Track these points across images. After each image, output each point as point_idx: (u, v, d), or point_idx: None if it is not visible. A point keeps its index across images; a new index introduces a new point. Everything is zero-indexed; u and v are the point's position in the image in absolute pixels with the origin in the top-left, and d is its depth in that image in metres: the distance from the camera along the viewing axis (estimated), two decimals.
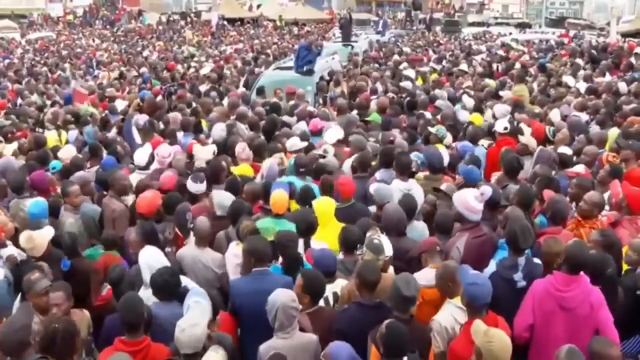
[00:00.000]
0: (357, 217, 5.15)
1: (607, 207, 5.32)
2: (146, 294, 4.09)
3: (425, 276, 4.14)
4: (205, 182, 5.74)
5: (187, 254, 4.82)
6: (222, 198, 5.28)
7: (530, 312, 3.87)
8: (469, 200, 4.65)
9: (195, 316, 3.48)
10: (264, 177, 6.01)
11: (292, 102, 9.75)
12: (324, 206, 5.08)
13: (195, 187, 5.70)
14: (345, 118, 8.46)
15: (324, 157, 6.49)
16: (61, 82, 14.76)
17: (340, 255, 4.55)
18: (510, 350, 3.34)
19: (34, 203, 5.41)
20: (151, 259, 4.27)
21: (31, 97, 12.31)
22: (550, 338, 3.81)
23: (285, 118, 8.84)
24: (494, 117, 8.40)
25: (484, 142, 7.35)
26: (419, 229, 5.06)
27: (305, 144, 6.99)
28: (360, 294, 3.92)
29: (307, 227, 4.80)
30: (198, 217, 4.92)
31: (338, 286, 4.24)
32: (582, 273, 3.85)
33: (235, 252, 4.72)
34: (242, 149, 6.67)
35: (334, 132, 7.23)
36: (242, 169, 6.34)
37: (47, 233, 4.77)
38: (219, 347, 3.48)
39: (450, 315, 3.83)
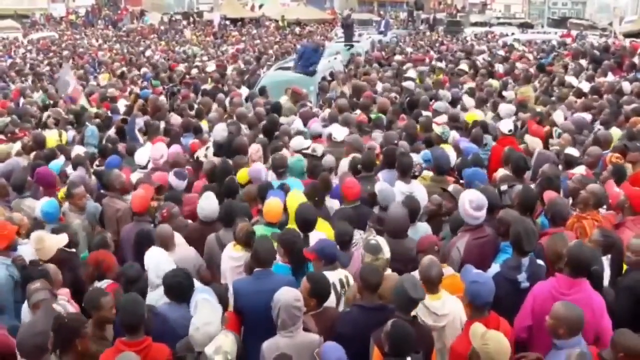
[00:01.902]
0: (361, 218, 5.13)
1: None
2: (154, 296, 4.11)
3: None
4: (185, 180, 6.05)
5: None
6: (203, 204, 5.21)
7: (529, 314, 3.86)
8: (465, 205, 4.63)
9: (208, 314, 3.49)
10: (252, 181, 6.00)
11: (299, 103, 9.77)
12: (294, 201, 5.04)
13: (176, 182, 5.94)
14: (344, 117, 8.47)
15: (313, 156, 6.52)
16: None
17: None
18: (508, 353, 3.32)
19: (48, 202, 5.43)
20: (157, 261, 4.26)
21: (34, 96, 12.34)
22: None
23: (287, 119, 8.85)
24: (499, 117, 8.40)
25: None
26: (421, 231, 5.03)
27: (309, 142, 7.04)
28: (361, 296, 3.90)
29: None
30: (159, 225, 4.92)
31: (342, 274, 4.25)
32: (585, 278, 3.83)
33: (231, 254, 4.69)
34: (255, 150, 6.69)
35: (339, 129, 7.26)
36: (241, 176, 6.22)
37: (60, 239, 4.74)
38: (229, 331, 3.51)
39: None
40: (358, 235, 4.81)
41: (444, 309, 3.89)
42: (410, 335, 3.34)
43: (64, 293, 4.27)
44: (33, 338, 3.31)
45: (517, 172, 5.89)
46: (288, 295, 3.63)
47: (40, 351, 3.30)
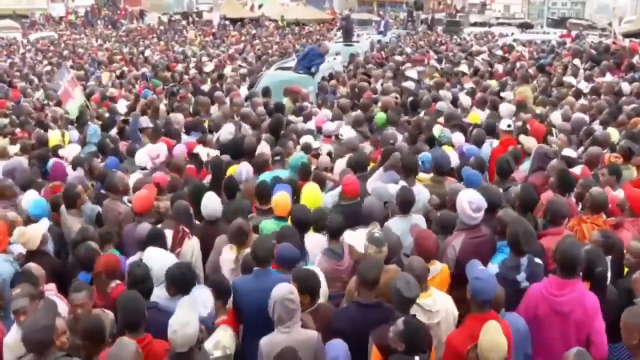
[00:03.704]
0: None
1: None
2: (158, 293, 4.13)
3: None
4: None
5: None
6: (205, 203, 5.17)
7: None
8: (464, 205, 4.64)
9: (185, 315, 3.43)
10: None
11: (298, 104, 9.79)
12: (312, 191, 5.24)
13: None
14: (351, 116, 8.52)
15: (318, 154, 6.63)
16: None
17: (326, 243, 4.66)
18: (503, 350, 3.31)
19: (35, 203, 5.45)
20: (157, 258, 4.28)
21: (34, 95, 12.33)
22: (544, 342, 3.83)
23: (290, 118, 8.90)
24: (499, 116, 8.41)
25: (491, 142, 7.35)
26: (413, 222, 5.04)
27: (318, 144, 7.15)
28: (359, 293, 3.92)
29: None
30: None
31: None
32: (579, 278, 3.84)
33: (228, 256, 4.70)
34: (264, 147, 6.80)
35: (348, 129, 7.37)
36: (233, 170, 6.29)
37: (40, 226, 4.85)
38: (227, 326, 3.49)
39: None
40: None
41: (435, 305, 3.93)
42: (422, 331, 3.39)
43: (50, 288, 4.31)
44: (36, 333, 3.35)
45: (502, 174, 5.93)
46: (282, 290, 3.66)
47: (44, 346, 3.35)
